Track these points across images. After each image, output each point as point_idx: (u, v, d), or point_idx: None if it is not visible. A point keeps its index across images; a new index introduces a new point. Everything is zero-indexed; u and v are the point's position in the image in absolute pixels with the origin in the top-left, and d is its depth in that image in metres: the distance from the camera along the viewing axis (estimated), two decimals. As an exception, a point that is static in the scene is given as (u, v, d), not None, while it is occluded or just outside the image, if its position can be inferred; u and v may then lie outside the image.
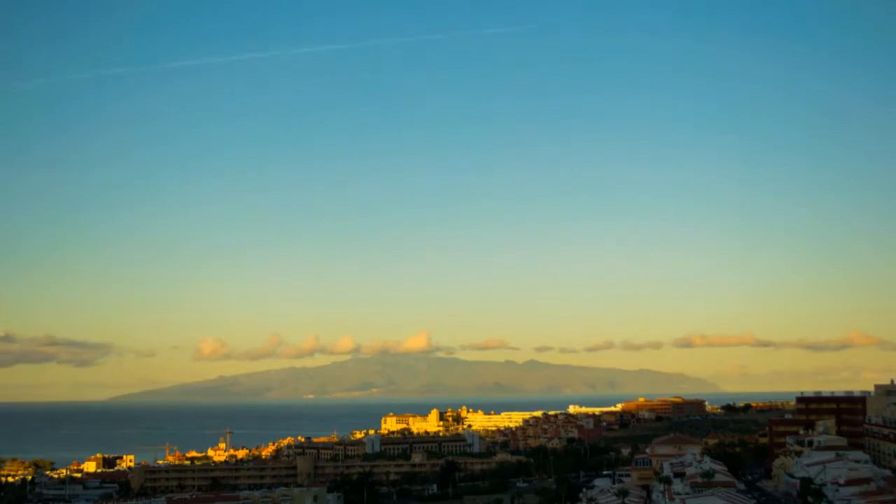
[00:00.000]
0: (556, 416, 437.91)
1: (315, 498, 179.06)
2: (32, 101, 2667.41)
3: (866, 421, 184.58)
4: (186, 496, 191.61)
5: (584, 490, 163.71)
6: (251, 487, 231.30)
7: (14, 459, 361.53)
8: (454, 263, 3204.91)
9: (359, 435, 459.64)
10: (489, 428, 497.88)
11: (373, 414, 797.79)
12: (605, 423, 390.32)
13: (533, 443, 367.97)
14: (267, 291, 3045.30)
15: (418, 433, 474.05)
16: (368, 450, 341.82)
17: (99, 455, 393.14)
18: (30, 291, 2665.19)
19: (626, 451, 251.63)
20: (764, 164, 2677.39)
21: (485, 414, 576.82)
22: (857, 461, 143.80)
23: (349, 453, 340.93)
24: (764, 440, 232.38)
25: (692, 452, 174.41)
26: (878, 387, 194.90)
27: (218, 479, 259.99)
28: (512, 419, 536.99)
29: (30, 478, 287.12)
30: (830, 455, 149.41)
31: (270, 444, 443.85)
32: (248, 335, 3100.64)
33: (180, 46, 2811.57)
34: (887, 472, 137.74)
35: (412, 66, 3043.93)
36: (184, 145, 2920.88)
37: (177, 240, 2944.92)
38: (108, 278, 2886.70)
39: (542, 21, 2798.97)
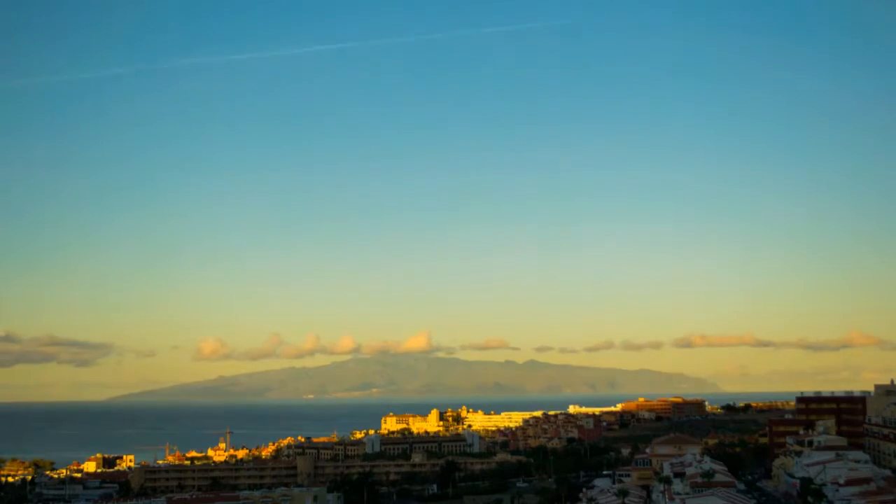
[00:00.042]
0: (556, 416, 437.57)
1: (315, 498, 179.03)
2: (32, 101, 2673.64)
3: (866, 421, 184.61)
4: (186, 496, 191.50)
5: (584, 490, 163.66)
6: (251, 487, 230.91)
7: (14, 459, 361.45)
8: (454, 263, 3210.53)
9: (359, 435, 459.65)
10: (489, 428, 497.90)
11: (373, 414, 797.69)
12: (605, 423, 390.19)
13: (533, 443, 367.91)
14: (267, 291, 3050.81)
15: (418, 433, 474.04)
16: (368, 450, 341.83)
17: (99, 455, 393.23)
18: (30, 292, 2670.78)
19: (626, 451, 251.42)
20: (764, 165, 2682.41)
21: (485, 414, 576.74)
22: (857, 461, 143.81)
23: (349, 453, 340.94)
24: (764, 440, 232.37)
25: (692, 452, 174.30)
26: (878, 387, 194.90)
27: (218, 479, 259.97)
28: (512, 419, 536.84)
29: (30, 478, 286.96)
30: (830, 455, 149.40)
31: (270, 444, 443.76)
32: (248, 335, 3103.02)
33: (180, 46, 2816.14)
34: (887, 472, 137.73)
35: (412, 66, 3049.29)
36: (184, 145, 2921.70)
37: (177, 240, 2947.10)
38: (108, 278, 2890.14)
39: (543, 22, 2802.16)
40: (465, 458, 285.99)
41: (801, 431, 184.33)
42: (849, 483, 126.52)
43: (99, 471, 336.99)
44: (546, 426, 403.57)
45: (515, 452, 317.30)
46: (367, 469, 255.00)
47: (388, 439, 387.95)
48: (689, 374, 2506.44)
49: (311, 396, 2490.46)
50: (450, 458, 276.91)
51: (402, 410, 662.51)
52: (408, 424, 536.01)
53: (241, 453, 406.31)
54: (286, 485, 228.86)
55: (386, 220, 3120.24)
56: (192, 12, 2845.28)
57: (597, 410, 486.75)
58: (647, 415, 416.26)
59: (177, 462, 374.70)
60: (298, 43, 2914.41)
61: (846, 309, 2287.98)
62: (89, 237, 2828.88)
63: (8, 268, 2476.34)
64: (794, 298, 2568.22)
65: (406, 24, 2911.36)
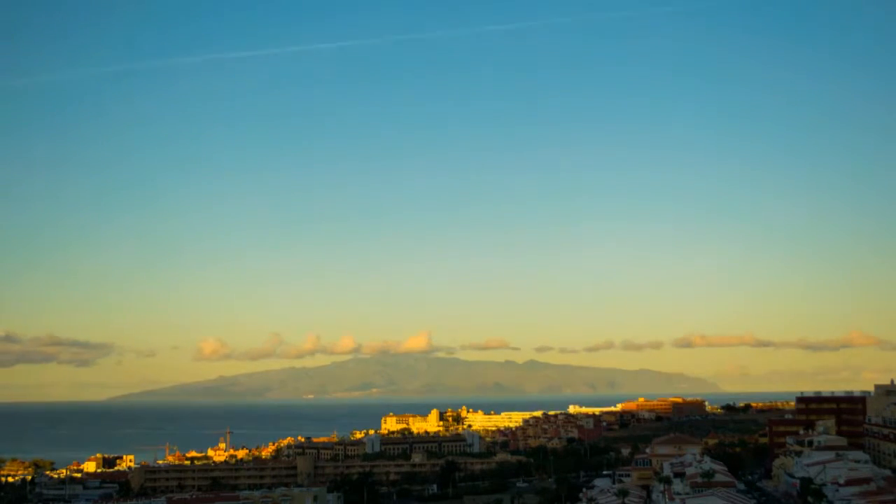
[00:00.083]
0: (556, 416, 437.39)
1: (315, 498, 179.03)
2: (32, 101, 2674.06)
3: (866, 421, 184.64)
4: (186, 496, 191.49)
5: (584, 490, 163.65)
6: (251, 487, 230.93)
7: (14, 459, 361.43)
8: (454, 264, 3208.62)
9: (359, 435, 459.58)
10: (489, 428, 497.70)
11: (373, 414, 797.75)
12: (605, 423, 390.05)
13: (533, 443, 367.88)
14: (267, 291, 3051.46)
15: (418, 433, 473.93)
16: (368, 450, 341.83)
17: (99, 455, 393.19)
18: (31, 292, 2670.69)
19: (626, 451, 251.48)
20: (764, 165, 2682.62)
21: (485, 414, 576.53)
22: (857, 461, 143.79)
23: (349, 453, 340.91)
24: (764, 440, 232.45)
25: (692, 452, 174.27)
26: (878, 387, 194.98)
27: (218, 479, 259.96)
28: (512, 419, 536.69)
29: (30, 478, 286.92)
30: (830, 455, 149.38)
31: (270, 444, 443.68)
32: (248, 335, 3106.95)
33: (180, 46, 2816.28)
34: (887, 472, 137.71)
35: (412, 65, 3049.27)
36: (184, 145, 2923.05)
37: (177, 240, 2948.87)
38: (108, 278, 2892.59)
39: (543, 21, 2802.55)
40: (465, 459, 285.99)
41: (801, 431, 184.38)
42: (849, 483, 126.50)
43: (99, 471, 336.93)
44: (546, 426, 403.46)
45: (515, 452, 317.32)
46: (367, 469, 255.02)
47: (388, 439, 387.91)
48: (689, 374, 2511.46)
49: (311, 396, 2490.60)
50: (450, 458, 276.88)
51: (402, 410, 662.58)
52: (408, 424, 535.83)
53: (241, 453, 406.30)
54: (286, 485, 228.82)
55: (386, 220, 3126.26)
56: (192, 12, 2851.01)
57: (597, 410, 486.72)
58: (647, 415, 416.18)
59: (177, 462, 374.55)
60: (298, 42, 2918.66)
61: (846, 309, 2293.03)
62: (89, 237, 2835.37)
63: (8, 268, 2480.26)
64: (794, 298, 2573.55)
65: (406, 24, 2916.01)
